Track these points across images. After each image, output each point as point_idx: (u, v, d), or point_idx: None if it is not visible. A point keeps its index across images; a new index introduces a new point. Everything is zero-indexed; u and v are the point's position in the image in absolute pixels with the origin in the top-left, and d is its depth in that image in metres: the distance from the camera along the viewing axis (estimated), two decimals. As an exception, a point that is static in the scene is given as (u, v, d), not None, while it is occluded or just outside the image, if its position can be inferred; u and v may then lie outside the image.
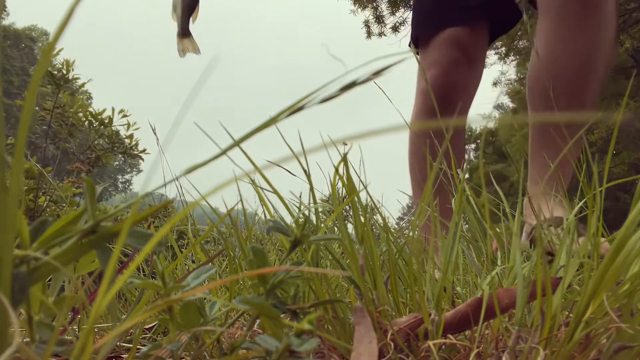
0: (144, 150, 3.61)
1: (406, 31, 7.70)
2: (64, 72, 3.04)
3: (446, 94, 1.29)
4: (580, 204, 0.51)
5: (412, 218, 0.49)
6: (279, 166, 0.25)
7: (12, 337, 0.21)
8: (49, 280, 0.35)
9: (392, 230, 0.50)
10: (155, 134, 0.85)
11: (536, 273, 0.32)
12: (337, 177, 0.46)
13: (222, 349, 0.40)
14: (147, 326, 0.53)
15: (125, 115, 3.43)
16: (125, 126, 3.45)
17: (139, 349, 0.42)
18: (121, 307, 0.74)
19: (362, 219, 0.42)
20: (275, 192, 0.47)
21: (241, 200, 0.49)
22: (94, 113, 3.29)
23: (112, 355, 0.44)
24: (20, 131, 0.21)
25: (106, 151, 3.35)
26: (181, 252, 0.61)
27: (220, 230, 0.75)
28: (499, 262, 0.52)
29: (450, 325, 0.35)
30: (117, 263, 0.24)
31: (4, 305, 0.21)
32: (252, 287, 0.45)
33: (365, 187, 0.47)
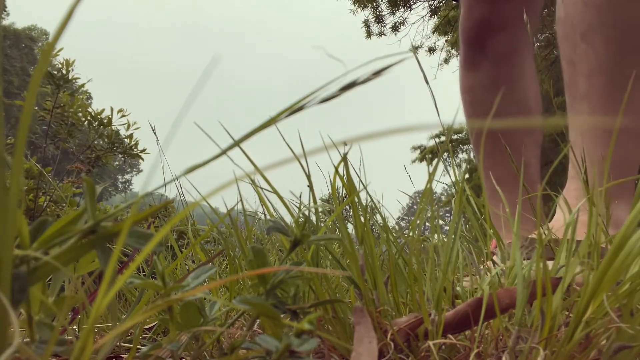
0: (143, 150, 3.61)
1: (406, 31, 7.72)
2: (64, 72, 3.04)
3: (477, 35, 1.08)
4: (580, 204, 0.51)
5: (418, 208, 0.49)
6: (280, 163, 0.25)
7: (12, 337, 0.21)
8: (49, 280, 0.35)
9: (392, 230, 0.50)
10: (155, 134, 0.85)
11: (536, 273, 0.32)
12: (337, 177, 0.46)
13: (222, 349, 0.40)
14: (147, 326, 0.53)
15: (124, 115, 3.43)
16: (125, 126, 3.45)
17: (139, 349, 0.42)
18: (121, 307, 0.74)
19: (362, 219, 0.42)
20: (275, 192, 0.47)
21: (241, 200, 0.49)
22: (93, 113, 3.29)
23: (112, 355, 0.44)
24: (20, 131, 0.21)
25: (106, 151, 3.35)
26: (181, 252, 0.61)
27: (220, 230, 0.75)
28: (499, 262, 0.52)
29: (450, 325, 0.35)
30: (117, 263, 0.24)
31: (4, 305, 0.21)
32: (252, 287, 0.45)
33: (365, 187, 0.47)
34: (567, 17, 0.82)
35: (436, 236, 0.48)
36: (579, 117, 0.82)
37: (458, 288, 0.46)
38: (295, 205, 0.49)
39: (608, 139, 0.75)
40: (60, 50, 3.00)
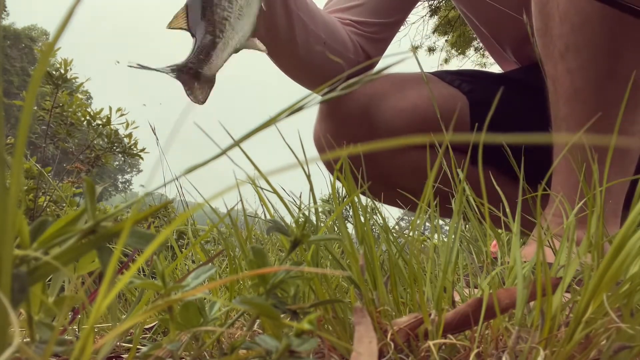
0: (143, 150, 3.61)
1: (406, 31, 7.71)
2: (62, 71, 3.04)
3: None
4: (580, 204, 0.51)
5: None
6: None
7: (12, 337, 0.21)
8: (49, 280, 0.35)
9: (392, 230, 0.50)
10: (155, 134, 0.85)
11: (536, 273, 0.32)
12: (337, 178, 0.46)
13: (222, 349, 0.40)
14: (147, 326, 0.53)
15: (123, 114, 3.43)
16: (124, 125, 3.45)
17: (139, 349, 0.42)
18: (121, 307, 0.74)
19: (362, 219, 0.42)
20: (275, 192, 0.47)
21: (241, 200, 0.49)
22: (92, 113, 3.29)
23: (112, 355, 0.44)
24: (20, 131, 0.21)
25: (105, 151, 3.35)
26: (181, 252, 0.62)
27: (220, 230, 0.75)
28: (499, 262, 0.52)
29: (450, 325, 0.35)
30: (117, 263, 0.24)
31: (4, 305, 0.21)
32: (252, 287, 0.45)
33: (365, 187, 0.47)
34: (546, 30, 0.78)
35: (436, 236, 0.48)
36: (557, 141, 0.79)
37: (457, 289, 0.46)
38: (295, 206, 0.49)
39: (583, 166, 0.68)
40: (58, 49, 2.99)
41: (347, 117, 1.12)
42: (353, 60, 1.16)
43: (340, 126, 1.14)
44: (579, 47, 0.74)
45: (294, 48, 1.03)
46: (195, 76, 0.69)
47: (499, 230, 0.56)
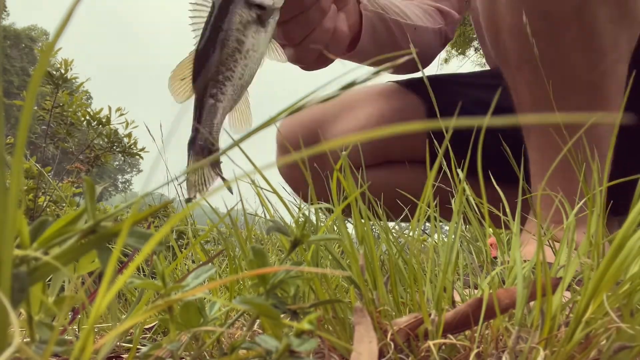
0: (142, 149, 3.61)
1: (406, 31, 7.70)
2: (62, 71, 3.04)
3: None
4: (580, 203, 0.51)
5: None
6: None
7: (12, 337, 0.21)
8: (49, 280, 0.35)
9: (392, 230, 0.50)
10: (150, 134, 0.85)
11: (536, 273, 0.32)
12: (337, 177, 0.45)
13: (222, 349, 0.40)
14: (147, 326, 0.53)
15: (122, 114, 3.43)
16: (124, 124, 3.46)
17: (139, 349, 0.42)
18: (121, 307, 0.74)
19: (362, 219, 0.42)
20: (275, 192, 0.47)
21: (241, 200, 0.49)
22: (92, 112, 3.29)
23: (112, 355, 0.44)
24: (20, 131, 0.21)
25: (105, 150, 3.35)
26: (181, 252, 0.62)
27: (220, 230, 0.75)
28: (498, 262, 0.52)
29: (450, 325, 0.35)
30: (117, 263, 0.24)
31: (4, 305, 0.21)
32: (252, 287, 0.45)
33: (365, 187, 0.47)
34: (499, 43, 0.76)
35: (436, 236, 0.48)
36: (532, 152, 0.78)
37: (457, 289, 0.46)
38: (295, 206, 0.49)
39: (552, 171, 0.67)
40: (59, 49, 2.99)
41: (298, 146, 1.11)
42: (442, 27, 1.15)
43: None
44: (530, 61, 0.71)
45: (397, 49, 1.03)
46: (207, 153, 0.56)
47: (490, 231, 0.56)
